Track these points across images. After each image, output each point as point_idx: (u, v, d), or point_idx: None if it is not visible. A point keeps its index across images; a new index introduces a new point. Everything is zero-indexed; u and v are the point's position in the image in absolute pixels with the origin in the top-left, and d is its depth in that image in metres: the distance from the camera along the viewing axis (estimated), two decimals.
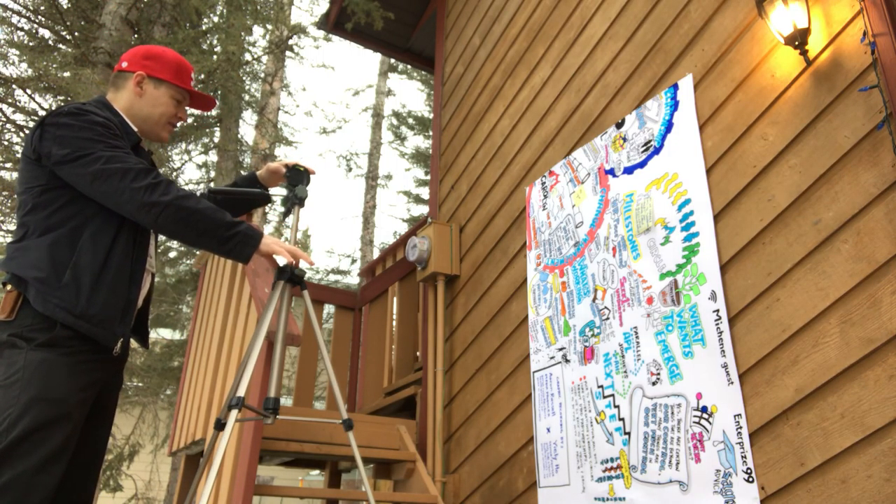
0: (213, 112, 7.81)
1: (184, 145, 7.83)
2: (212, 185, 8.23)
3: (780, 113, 2.09)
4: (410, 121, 14.30)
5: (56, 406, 1.53)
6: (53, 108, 1.79)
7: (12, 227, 6.58)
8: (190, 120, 7.51)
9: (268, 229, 9.66)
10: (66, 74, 5.27)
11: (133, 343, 2.00)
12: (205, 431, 3.13)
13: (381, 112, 13.50)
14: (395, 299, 4.35)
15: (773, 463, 1.89)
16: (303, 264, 2.05)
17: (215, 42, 7.25)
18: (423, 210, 14.64)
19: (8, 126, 5.67)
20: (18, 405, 1.50)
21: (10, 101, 5.58)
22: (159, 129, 1.93)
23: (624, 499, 2.32)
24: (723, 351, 2.09)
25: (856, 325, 1.77)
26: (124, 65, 1.91)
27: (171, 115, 1.94)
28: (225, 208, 2.12)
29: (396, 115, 14.21)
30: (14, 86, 5.47)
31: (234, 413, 1.86)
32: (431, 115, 10.67)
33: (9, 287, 1.62)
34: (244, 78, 7.75)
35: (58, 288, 1.60)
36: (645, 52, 2.71)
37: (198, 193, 1.90)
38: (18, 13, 6.06)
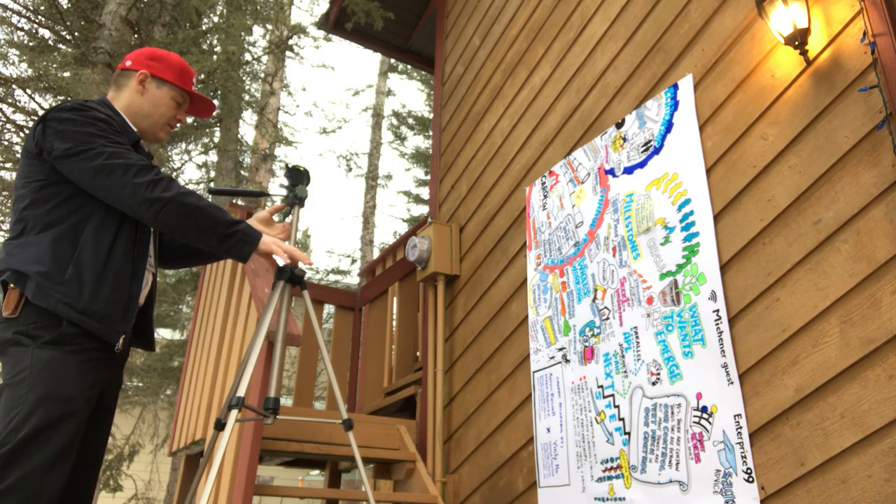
0: (213, 112, 7.80)
1: (184, 145, 7.83)
2: (212, 185, 8.23)
3: (780, 113, 2.09)
4: (410, 121, 14.30)
5: (64, 404, 1.53)
6: (55, 105, 1.79)
7: None
8: (190, 120, 7.51)
9: None
10: (66, 74, 5.27)
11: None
12: (205, 431, 3.13)
13: (381, 112, 13.50)
14: (395, 299, 4.35)
15: (773, 463, 1.89)
16: (302, 264, 2.05)
17: (215, 42, 7.24)
18: (423, 210, 14.64)
19: (8, 126, 5.67)
20: (26, 404, 1.49)
21: (10, 101, 5.57)
22: (157, 129, 1.94)
23: (624, 499, 2.32)
24: (723, 351, 2.09)
25: (856, 325, 1.77)
26: (128, 63, 1.92)
27: (170, 117, 1.95)
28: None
29: (396, 115, 14.20)
30: (14, 86, 5.47)
31: (234, 413, 1.86)
32: (431, 115, 10.67)
33: (11, 284, 1.61)
34: (244, 78, 7.75)
35: (60, 283, 1.60)
36: (645, 52, 2.71)
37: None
38: (18, 13, 6.05)
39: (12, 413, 1.49)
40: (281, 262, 2.02)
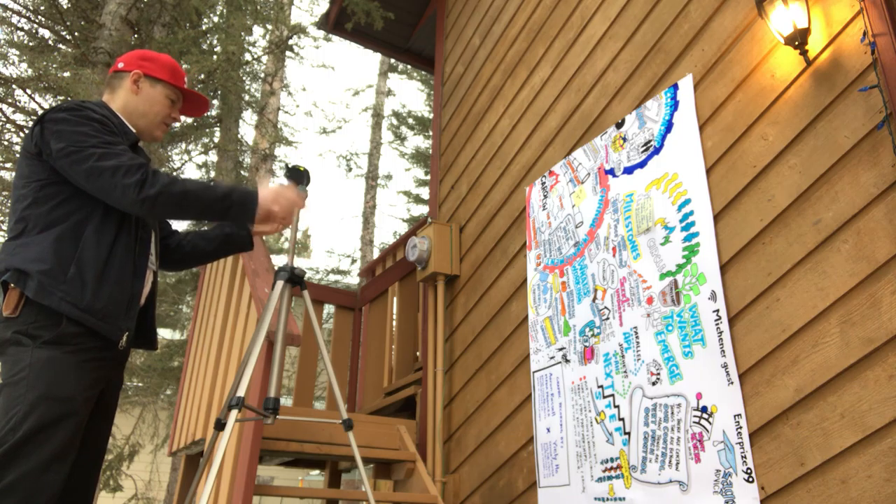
0: (213, 112, 7.81)
1: (184, 145, 7.83)
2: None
3: (780, 113, 2.09)
4: (410, 121, 14.29)
5: (63, 404, 1.53)
6: (53, 105, 1.81)
7: None
8: (190, 120, 7.51)
9: None
10: (66, 74, 5.27)
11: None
12: (205, 431, 3.13)
13: (381, 112, 13.49)
14: (395, 299, 4.35)
15: (773, 463, 1.89)
16: (302, 265, 2.06)
17: (215, 42, 7.24)
18: (423, 210, 14.64)
19: (8, 126, 5.67)
20: (25, 403, 1.50)
21: (10, 101, 5.58)
22: (154, 127, 1.95)
23: (624, 499, 2.32)
24: (723, 351, 2.09)
25: (856, 325, 1.77)
26: (120, 65, 1.94)
27: (165, 115, 1.97)
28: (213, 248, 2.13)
29: (396, 115, 14.20)
30: (14, 86, 5.47)
31: (234, 413, 1.86)
32: (431, 115, 10.67)
33: (11, 284, 1.62)
34: (244, 78, 7.75)
35: (63, 282, 1.61)
36: (645, 53, 2.71)
37: None
38: (18, 13, 6.06)
39: (11, 412, 1.49)
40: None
